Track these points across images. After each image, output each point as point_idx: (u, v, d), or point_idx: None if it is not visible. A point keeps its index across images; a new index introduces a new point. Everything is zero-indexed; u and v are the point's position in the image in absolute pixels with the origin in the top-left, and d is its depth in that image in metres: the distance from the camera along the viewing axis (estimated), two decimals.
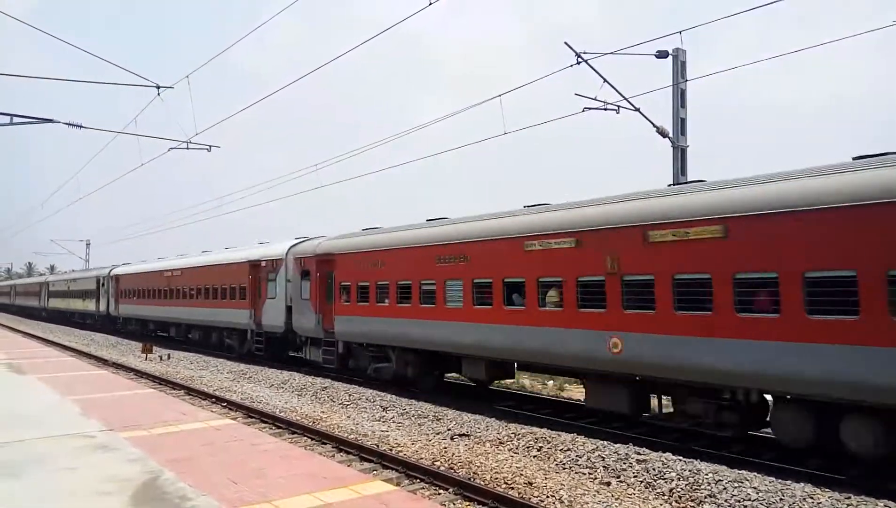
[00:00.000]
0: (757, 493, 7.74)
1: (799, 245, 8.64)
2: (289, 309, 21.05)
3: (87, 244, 68.33)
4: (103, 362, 24.74)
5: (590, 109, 16.08)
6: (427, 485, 8.98)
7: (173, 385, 18.64)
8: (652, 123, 16.37)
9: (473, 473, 9.30)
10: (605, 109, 16.21)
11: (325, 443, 11.47)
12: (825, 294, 8.41)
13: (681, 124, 16.54)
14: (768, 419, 9.92)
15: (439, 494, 8.64)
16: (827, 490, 7.91)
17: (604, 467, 9.19)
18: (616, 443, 10.15)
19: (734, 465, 9.00)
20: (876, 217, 7.97)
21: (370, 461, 10.25)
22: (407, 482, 9.14)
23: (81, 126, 17.66)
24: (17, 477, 7.13)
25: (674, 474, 8.57)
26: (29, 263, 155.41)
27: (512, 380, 17.24)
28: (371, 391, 15.98)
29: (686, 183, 10.81)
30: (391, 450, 10.64)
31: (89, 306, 44.47)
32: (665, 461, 9.05)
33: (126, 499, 6.36)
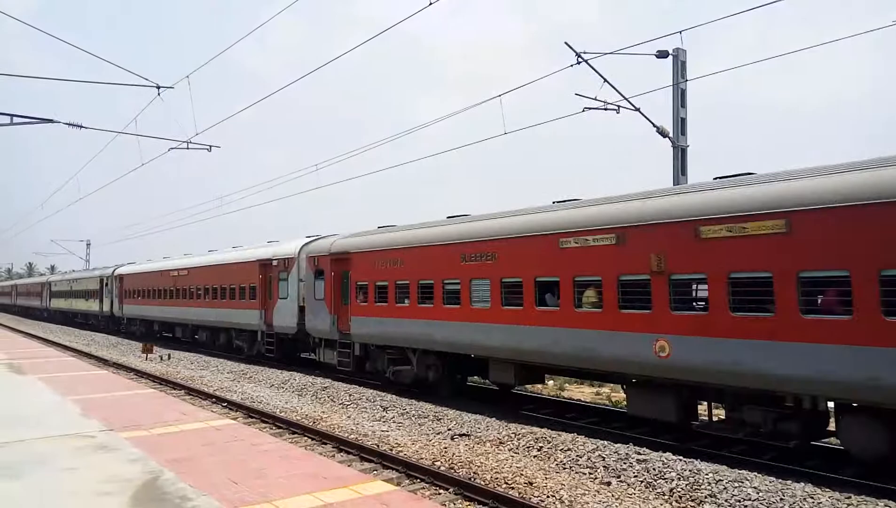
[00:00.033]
0: (757, 493, 7.74)
1: (874, 241, 7.96)
2: (301, 310, 20.50)
3: (88, 244, 68.51)
4: (104, 362, 24.75)
5: (590, 108, 16.10)
6: (427, 485, 8.98)
7: (174, 385, 18.64)
8: (652, 122, 16.38)
9: (474, 473, 9.30)
10: (606, 109, 16.23)
11: (326, 443, 11.47)
12: None
13: (681, 124, 16.56)
14: (832, 427, 9.34)
15: (440, 494, 8.64)
16: (827, 489, 7.91)
17: (604, 467, 9.19)
18: (616, 443, 10.15)
19: (734, 465, 9.01)
20: None
21: (370, 461, 10.25)
22: (407, 482, 9.14)
23: (81, 126, 17.68)
24: (18, 478, 7.14)
25: (674, 474, 8.57)
26: (29, 263, 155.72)
27: (542, 385, 16.51)
28: (371, 391, 15.98)
29: (736, 175, 10.12)
30: (391, 450, 10.64)
31: (92, 306, 44.11)
32: (665, 460, 9.04)
33: (126, 499, 6.36)
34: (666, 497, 8.13)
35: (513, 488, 8.57)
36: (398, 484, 8.56)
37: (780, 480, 8.18)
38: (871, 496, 7.78)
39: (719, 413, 11.20)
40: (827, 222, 8.38)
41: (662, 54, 16.24)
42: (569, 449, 10.01)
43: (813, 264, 8.53)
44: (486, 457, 9.98)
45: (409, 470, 9.52)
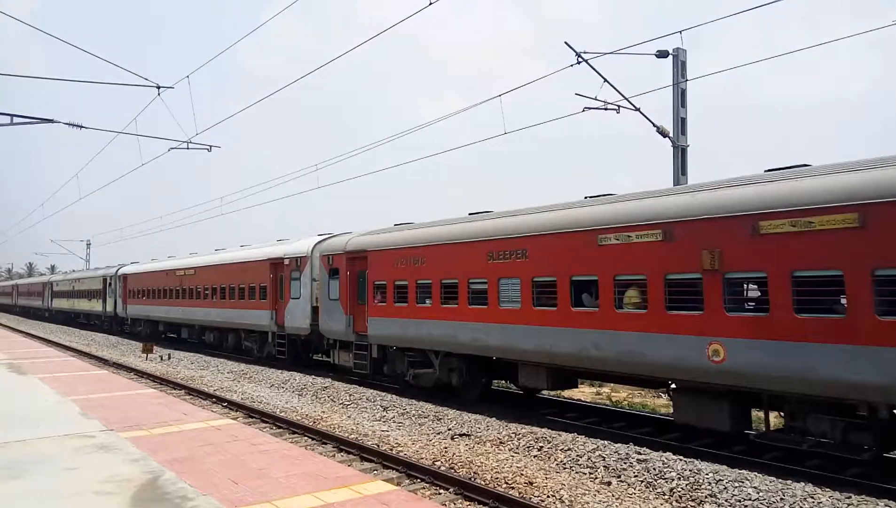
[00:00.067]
0: (757, 493, 7.74)
1: None
2: (314, 310, 19.91)
3: (88, 244, 68.46)
4: (104, 362, 24.77)
5: (590, 108, 16.09)
6: (427, 485, 8.99)
7: (174, 385, 18.66)
8: (652, 122, 16.39)
9: (474, 473, 9.31)
10: (606, 109, 16.22)
11: (326, 443, 11.48)
12: None
13: (681, 124, 16.57)
14: None
15: (440, 494, 8.64)
16: (827, 489, 7.91)
17: (604, 466, 9.19)
18: (616, 443, 10.16)
19: (734, 465, 9.01)
20: None
21: (371, 461, 10.26)
22: (407, 482, 9.15)
23: (81, 126, 17.67)
24: (18, 477, 7.14)
25: (674, 473, 8.57)
26: (29, 263, 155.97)
27: (572, 390, 15.72)
28: (371, 391, 15.99)
29: (792, 167, 9.51)
30: (392, 450, 10.65)
31: (95, 306, 43.57)
32: (665, 460, 9.05)
33: (127, 499, 6.37)
34: (666, 496, 8.13)
35: (513, 488, 8.58)
36: (398, 484, 8.56)
37: (780, 480, 8.18)
38: (871, 496, 7.78)
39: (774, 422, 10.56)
40: None
41: (662, 54, 16.24)
42: (569, 449, 10.01)
43: (890, 261, 7.91)
44: (486, 457, 9.98)
45: (410, 470, 9.53)
